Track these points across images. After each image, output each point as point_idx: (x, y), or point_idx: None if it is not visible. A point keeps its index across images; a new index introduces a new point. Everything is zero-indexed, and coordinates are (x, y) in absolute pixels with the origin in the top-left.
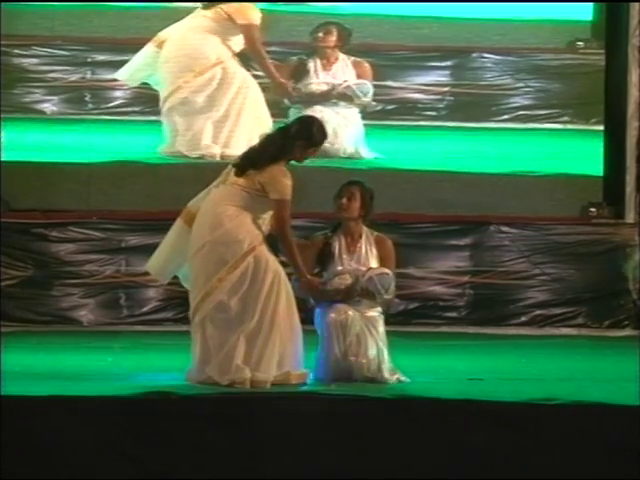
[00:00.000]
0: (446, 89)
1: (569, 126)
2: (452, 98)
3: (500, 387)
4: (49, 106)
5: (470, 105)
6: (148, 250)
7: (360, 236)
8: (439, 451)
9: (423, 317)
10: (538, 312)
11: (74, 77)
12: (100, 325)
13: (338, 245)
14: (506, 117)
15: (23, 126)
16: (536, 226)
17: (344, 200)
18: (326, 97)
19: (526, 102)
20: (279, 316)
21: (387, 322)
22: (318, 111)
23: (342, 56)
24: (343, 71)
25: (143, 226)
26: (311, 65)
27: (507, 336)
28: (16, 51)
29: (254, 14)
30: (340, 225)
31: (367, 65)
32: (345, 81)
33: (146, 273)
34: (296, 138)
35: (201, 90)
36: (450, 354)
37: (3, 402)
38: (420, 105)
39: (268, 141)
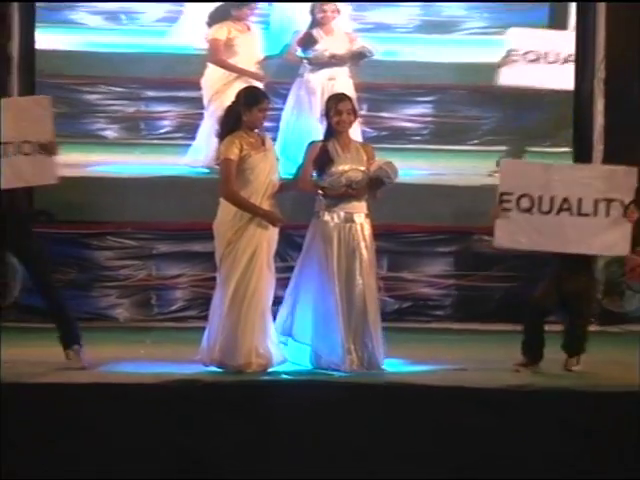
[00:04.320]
0: (429, 119)
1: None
2: (434, 126)
3: (481, 376)
4: (110, 132)
5: (449, 131)
6: (176, 257)
7: (350, 141)
8: (427, 429)
9: (414, 315)
10: (516, 310)
11: (131, 109)
12: (134, 322)
13: (334, 149)
14: (476, 141)
15: (88, 149)
16: None
17: (345, 116)
18: (343, 59)
19: (498, 129)
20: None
21: (383, 319)
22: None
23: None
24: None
25: (171, 235)
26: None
27: (488, 331)
28: (85, 89)
29: (216, 31)
30: (332, 134)
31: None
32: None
33: (174, 277)
34: (240, 107)
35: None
36: (438, 347)
37: (52, 389)
38: (407, 132)
39: (219, 126)
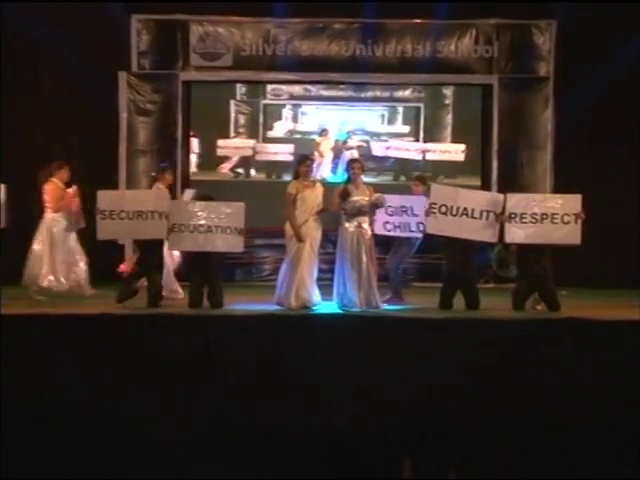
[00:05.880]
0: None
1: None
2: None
3: (433, 313)
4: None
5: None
6: (265, 246)
7: (360, 183)
8: (407, 341)
9: None
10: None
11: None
12: (243, 281)
13: (352, 188)
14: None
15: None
16: None
17: (357, 170)
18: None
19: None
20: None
21: (379, 281)
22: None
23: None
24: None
25: (262, 235)
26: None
27: (437, 287)
28: None
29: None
30: (350, 179)
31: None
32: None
33: (264, 257)
34: (296, 166)
35: None
36: (410, 296)
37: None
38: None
39: (292, 174)
